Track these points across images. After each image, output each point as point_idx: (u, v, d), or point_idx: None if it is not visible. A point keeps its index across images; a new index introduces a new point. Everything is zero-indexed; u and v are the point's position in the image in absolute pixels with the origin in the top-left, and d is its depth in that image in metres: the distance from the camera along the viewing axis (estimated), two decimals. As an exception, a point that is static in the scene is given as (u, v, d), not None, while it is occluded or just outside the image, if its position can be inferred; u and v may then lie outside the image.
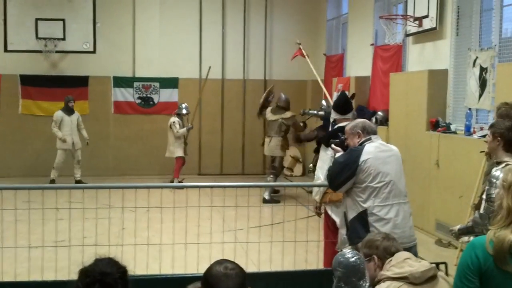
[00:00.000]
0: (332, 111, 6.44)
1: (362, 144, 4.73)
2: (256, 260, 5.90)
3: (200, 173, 14.26)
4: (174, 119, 12.79)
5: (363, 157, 4.60)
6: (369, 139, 4.74)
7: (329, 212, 5.94)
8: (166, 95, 14.32)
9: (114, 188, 5.87)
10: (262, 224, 6.89)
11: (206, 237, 6.45)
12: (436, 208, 8.55)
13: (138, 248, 5.82)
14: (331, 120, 6.82)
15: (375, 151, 4.67)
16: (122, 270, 2.57)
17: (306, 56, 11.81)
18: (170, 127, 12.73)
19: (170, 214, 6.00)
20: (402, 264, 3.13)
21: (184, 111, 12.93)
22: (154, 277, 4.84)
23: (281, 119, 11.44)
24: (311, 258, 5.94)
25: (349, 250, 3.70)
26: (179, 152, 12.80)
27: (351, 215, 4.66)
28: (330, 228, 5.94)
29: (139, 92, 14.25)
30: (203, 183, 7.86)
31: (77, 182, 12.35)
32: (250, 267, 5.92)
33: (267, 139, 11.76)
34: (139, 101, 14.27)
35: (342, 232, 4.81)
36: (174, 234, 5.91)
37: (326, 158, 5.92)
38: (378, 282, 3.19)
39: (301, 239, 5.91)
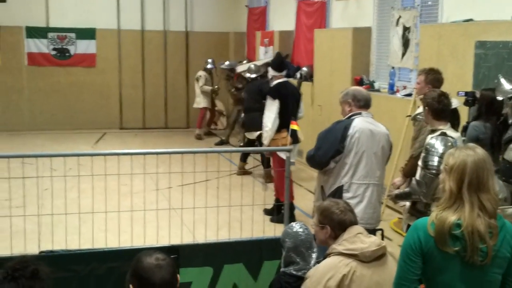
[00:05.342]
0: (270, 68, 7.90)
1: (350, 118, 4.64)
2: (191, 226, 5.90)
3: (122, 127, 13.97)
4: (201, 72, 12.84)
5: (351, 130, 4.51)
6: (359, 113, 4.65)
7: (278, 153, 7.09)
8: (83, 47, 13.77)
9: (55, 156, 5.59)
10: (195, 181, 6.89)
11: (139, 200, 6.34)
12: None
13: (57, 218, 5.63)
14: (269, 77, 8.03)
15: (363, 126, 4.57)
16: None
17: None
18: (197, 80, 12.77)
19: (102, 182, 5.82)
20: (354, 239, 3.18)
21: (209, 66, 12.89)
22: (85, 251, 4.44)
23: None
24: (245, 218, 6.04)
25: (297, 223, 3.80)
26: (203, 103, 12.85)
27: (329, 190, 4.60)
28: (280, 163, 6.82)
29: (54, 43, 13.63)
30: (134, 150, 7.68)
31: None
32: (186, 236, 5.94)
33: None
34: (54, 52, 13.66)
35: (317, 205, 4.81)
36: (106, 201, 5.77)
37: (273, 108, 7.23)
38: (329, 255, 3.26)
39: (235, 196, 5.93)
